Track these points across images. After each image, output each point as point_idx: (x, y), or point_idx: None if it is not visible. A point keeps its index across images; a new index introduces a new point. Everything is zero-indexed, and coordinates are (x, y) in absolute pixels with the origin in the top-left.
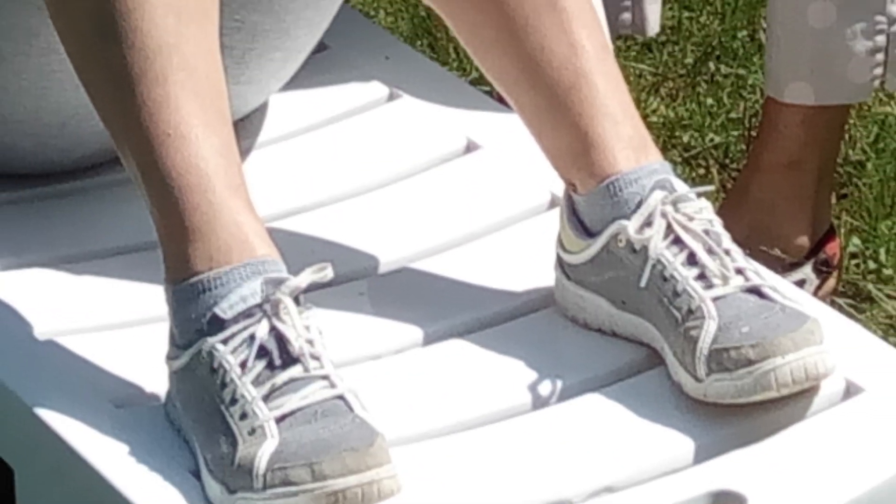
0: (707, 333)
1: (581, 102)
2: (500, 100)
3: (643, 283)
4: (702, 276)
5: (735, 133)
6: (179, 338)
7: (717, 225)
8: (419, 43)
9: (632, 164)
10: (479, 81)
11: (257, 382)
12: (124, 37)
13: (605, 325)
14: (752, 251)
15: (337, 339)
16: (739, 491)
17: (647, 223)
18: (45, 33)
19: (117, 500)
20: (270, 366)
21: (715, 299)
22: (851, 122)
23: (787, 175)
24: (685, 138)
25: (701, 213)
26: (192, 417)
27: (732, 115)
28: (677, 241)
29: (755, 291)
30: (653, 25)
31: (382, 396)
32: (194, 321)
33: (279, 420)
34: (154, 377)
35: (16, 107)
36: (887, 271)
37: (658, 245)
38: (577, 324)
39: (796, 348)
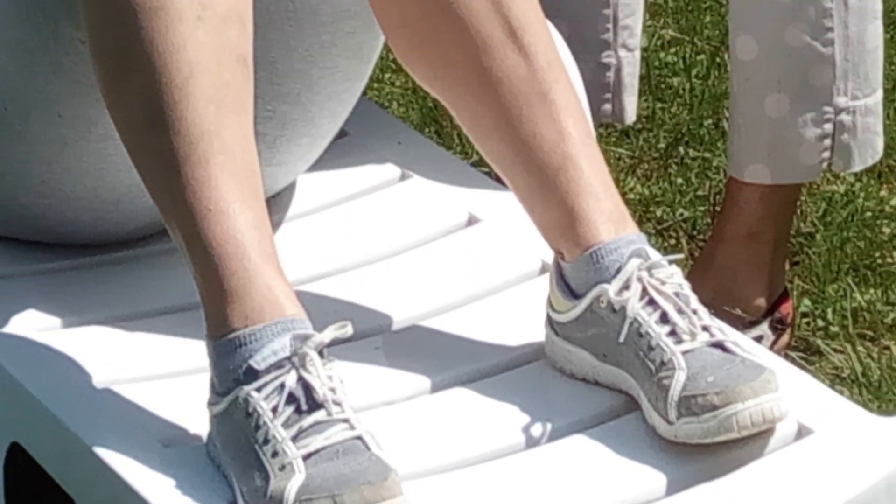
0: (677, 382)
1: (568, 182)
2: (498, 179)
3: (622, 339)
4: (673, 333)
5: (702, 208)
6: (219, 386)
7: (686, 288)
8: (427, 130)
9: (612, 236)
10: (480, 164)
11: (287, 425)
12: (171, 125)
13: (588, 375)
14: (717, 311)
15: (356, 387)
16: None
17: (626, 286)
18: (102, 122)
19: None
20: (298, 410)
21: (684, 353)
22: (803, 198)
23: (747, 245)
24: (658, 213)
25: (672, 277)
26: (231, 455)
27: (699, 192)
28: (651, 302)
29: (719, 346)
30: (630, 115)
31: (395, 437)
32: (232, 372)
33: (306, 457)
34: (197, 420)
35: (77, 185)
36: (834, 328)
37: (635, 306)
38: (564, 374)
39: (755, 395)
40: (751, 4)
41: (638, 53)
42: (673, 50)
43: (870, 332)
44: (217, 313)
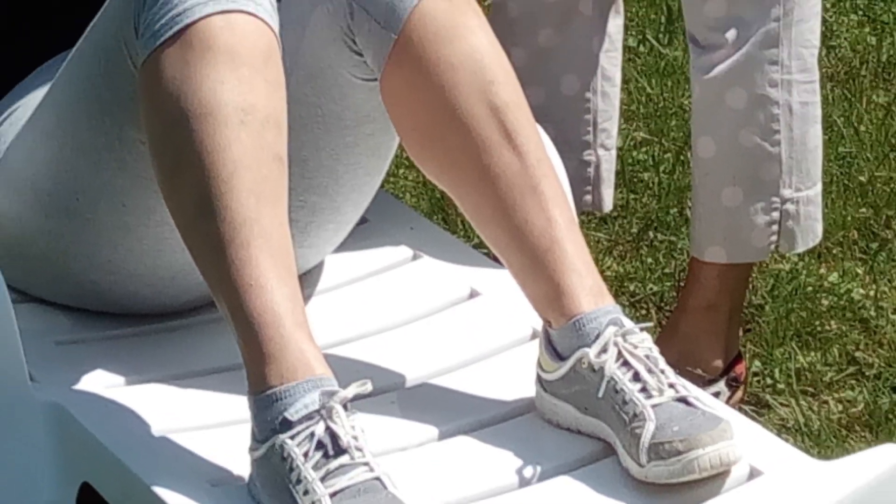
0: (647, 431)
1: (555, 262)
2: (495, 259)
3: (600, 395)
4: (644, 389)
5: (668, 284)
6: (259, 434)
7: (655, 351)
8: (435, 217)
9: (592, 307)
10: (480, 246)
11: (316, 467)
12: (218, 213)
13: (572, 426)
14: (681, 371)
15: (374, 435)
16: None
17: (604, 350)
18: (159, 210)
19: None
20: (326, 455)
21: (653, 406)
22: (754, 275)
23: (706, 315)
24: (631, 288)
25: (643, 342)
26: (268, 493)
27: (666, 270)
28: (626, 363)
29: (683, 400)
30: (607, 204)
31: (408, 478)
32: (270, 422)
33: (332, 495)
34: (240, 464)
35: (138, 264)
36: (780, 386)
37: (611, 366)
38: (551, 424)
39: (713, 442)
40: (710, 111)
41: (614, 152)
42: (644, 149)
43: (811, 389)
44: (257, 373)
